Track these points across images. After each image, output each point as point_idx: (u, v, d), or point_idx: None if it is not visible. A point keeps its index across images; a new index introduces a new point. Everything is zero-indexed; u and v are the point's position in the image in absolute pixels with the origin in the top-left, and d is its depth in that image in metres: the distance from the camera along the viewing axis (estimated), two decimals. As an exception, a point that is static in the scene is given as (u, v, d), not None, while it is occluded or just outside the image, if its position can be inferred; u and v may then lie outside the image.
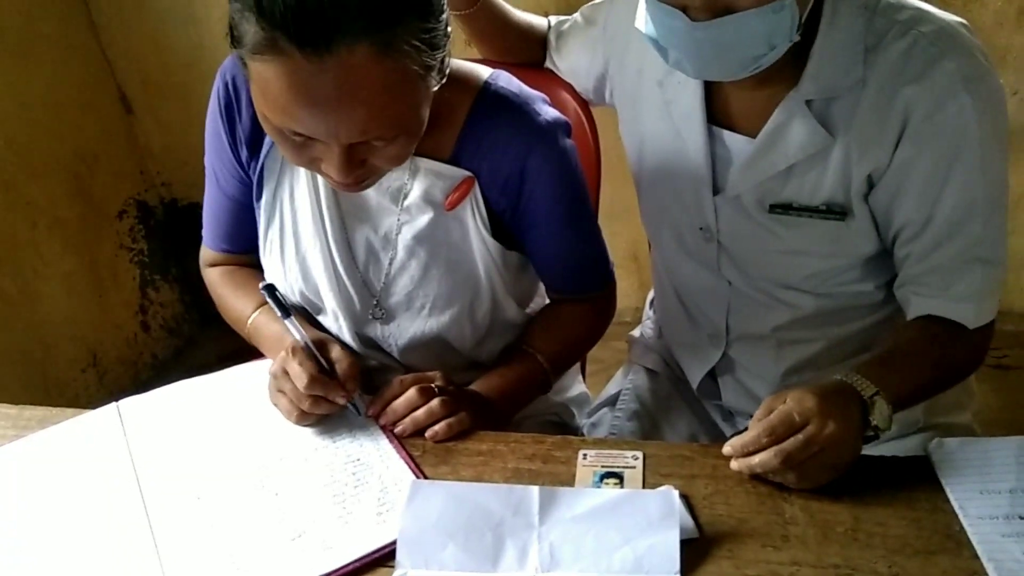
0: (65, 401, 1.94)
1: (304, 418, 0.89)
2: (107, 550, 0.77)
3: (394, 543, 0.74)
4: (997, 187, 0.86)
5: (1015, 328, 2.09)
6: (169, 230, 2.34)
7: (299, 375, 0.86)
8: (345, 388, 0.87)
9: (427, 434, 0.87)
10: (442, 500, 0.76)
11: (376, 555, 0.74)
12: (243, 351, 1.02)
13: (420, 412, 0.88)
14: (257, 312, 1.00)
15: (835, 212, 0.90)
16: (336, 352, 0.90)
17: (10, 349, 1.88)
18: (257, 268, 1.04)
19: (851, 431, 0.75)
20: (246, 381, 0.97)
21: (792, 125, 0.87)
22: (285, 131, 0.75)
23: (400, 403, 0.89)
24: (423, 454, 0.86)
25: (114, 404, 0.94)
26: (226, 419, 0.91)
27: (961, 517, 0.73)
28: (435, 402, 0.88)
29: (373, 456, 0.86)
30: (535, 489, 0.77)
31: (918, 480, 0.78)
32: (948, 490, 0.76)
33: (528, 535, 0.74)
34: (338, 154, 0.76)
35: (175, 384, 0.97)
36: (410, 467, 0.83)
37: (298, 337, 0.89)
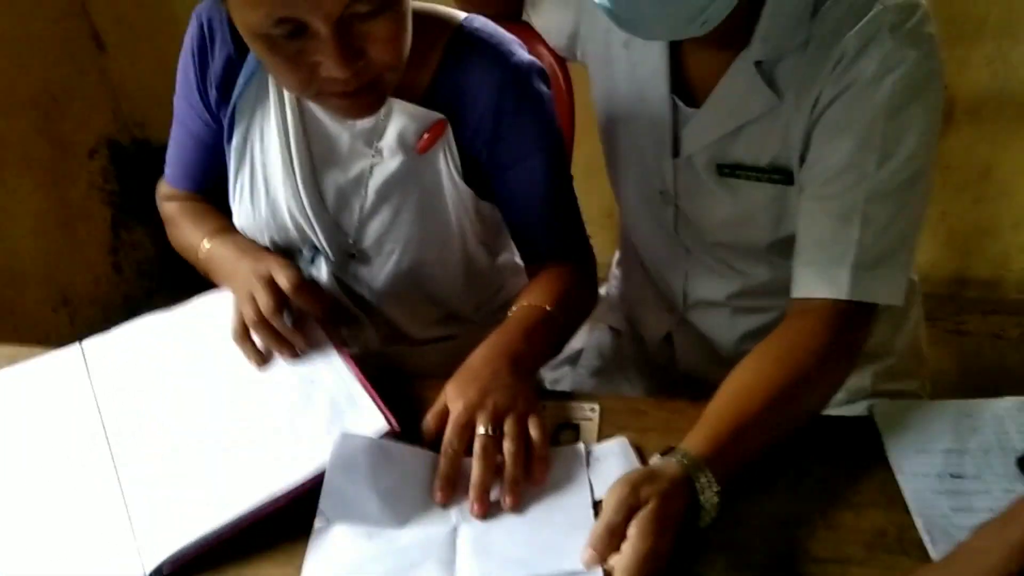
0: (35, 340, 1.93)
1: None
2: (70, 483, 0.79)
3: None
4: (901, 160, 0.81)
5: (976, 295, 2.14)
6: (142, 171, 2.31)
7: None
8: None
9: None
10: (369, 458, 0.77)
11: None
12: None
13: (511, 468, 0.76)
14: (214, 236, 0.99)
15: (780, 174, 0.90)
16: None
17: (-21, 287, 1.87)
18: (217, 204, 1.03)
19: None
20: (205, 312, 0.97)
21: (741, 86, 0.88)
22: (273, 35, 0.74)
23: (483, 472, 0.75)
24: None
25: (77, 345, 0.95)
26: (187, 351, 0.92)
27: (897, 474, 0.76)
28: (509, 446, 0.77)
29: (326, 375, 0.86)
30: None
31: (860, 440, 0.81)
32: (887, 448, 0.79)
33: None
34: (331, 38, 0.74)
35: (137, 320, 0.97)
36: (372, 397, 0.83)
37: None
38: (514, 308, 0.92)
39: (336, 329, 0.92)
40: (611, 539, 0.66)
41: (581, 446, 0.81)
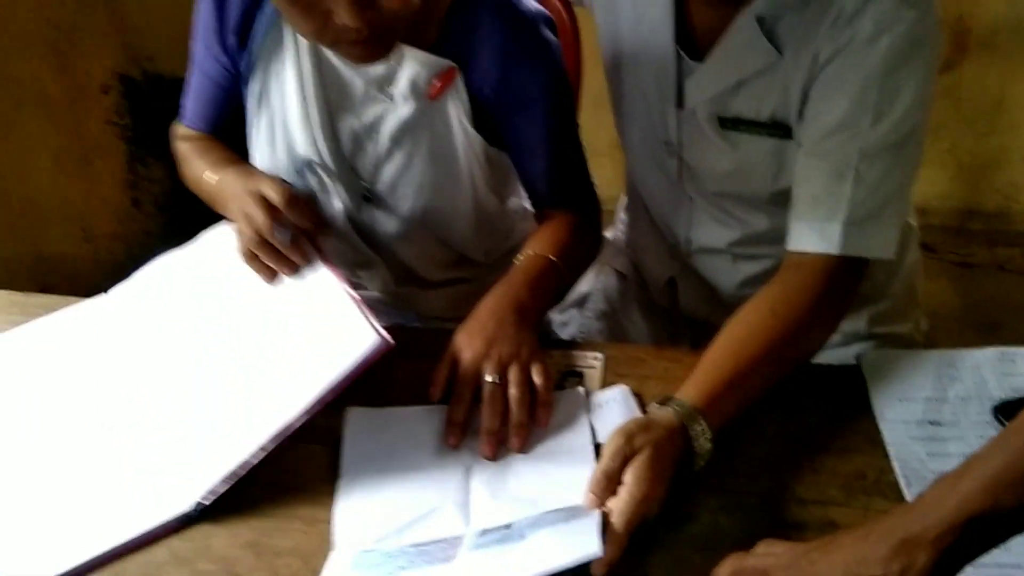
0: (61, 278, 2.00)
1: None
2: (111, 428, 0.85)
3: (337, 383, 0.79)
4: (896, 115, 0.83)
5: (983, 227, 2.16)
6: (156, 105, 2.32)
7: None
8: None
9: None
10: (380, 429, 0.83)
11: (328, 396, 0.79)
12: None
13: (516, 412, 0.81)
14: (218, 167, 1.00)
15: (779, 128, 0.92)
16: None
17: (4, 226, 1.92)
18: (231, 146, 1.06)
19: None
20: (214, 245, 0.99)
21: (743, 41, 0.89)
22: None
23: (490, 417, 0.81)
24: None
25: (104, 295, 1.00)
26: (201, 287, 0.96)
27: (879, 421, 0.81)
28: (514, 392, 0.82)
29: (318, 292, 0.88)
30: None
31: (847, 388, 0.86)
32: (872, 397, 0.84)
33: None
34: None
35: (153, 263, 1.01)
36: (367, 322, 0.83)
37: None
38: (519, 256, 0.96)
39: (322, 242, 0.93)
40: (608, 484, 0.72)
41: (581, 389, 0.86)
